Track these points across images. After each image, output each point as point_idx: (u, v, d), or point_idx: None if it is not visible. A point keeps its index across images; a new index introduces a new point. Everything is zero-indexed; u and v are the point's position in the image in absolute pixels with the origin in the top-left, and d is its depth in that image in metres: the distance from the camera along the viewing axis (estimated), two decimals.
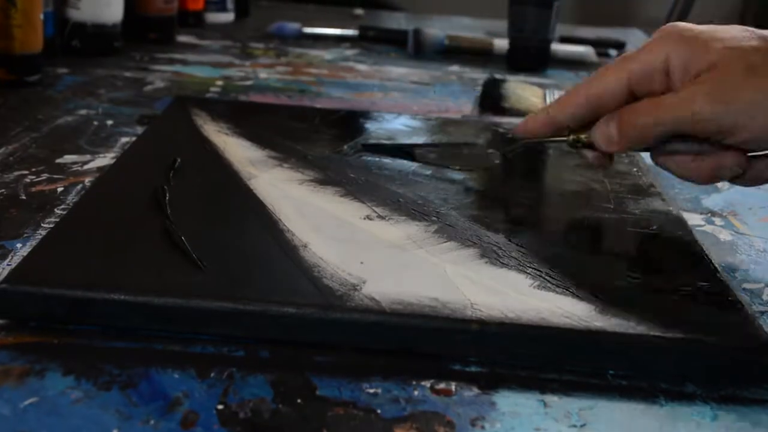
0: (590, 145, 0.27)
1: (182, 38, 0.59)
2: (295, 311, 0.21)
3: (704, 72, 0.24)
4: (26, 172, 0.31)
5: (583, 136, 0.27)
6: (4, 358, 0.20)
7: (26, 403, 0.18)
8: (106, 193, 0.28)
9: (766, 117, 0.23)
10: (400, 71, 0.54)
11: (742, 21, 0.80)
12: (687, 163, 0.26)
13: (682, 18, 0.81)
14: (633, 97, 0.26)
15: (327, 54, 0.58)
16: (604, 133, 0.26)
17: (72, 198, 0.30)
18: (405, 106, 0.46)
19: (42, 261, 0.22)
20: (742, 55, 0.23)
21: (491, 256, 0.24)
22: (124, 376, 0.19)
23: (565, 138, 0.28)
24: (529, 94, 0.46)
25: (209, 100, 0.44)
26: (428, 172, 0.32)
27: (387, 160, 0.32)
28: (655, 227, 0.28)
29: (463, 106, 0.46)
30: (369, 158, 0.33)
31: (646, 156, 0.36)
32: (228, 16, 0.69)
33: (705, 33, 0.25)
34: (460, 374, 0.21)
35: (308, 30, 0.64)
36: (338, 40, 0.64)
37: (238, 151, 0.32)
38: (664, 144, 0.25)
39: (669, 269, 0.25)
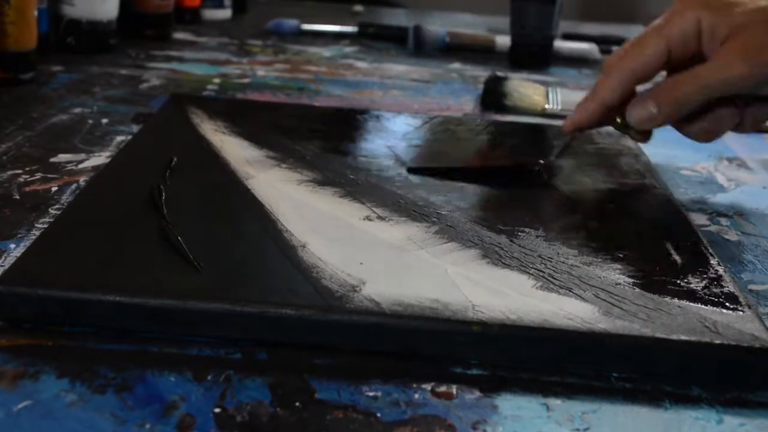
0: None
1: (179, 35, 0.59)
2: (294, 313, 0.21)
3: (732, 35, 0.26)
4: (20, 171, 0.31)
5: (618, 119, 0.29)
6: None
7: (20, 406, 0.18)
8: (101, 193, 0.27)
9: None
10: (400, 69, 0.54)
11: None
12: (702, 124, 0.28)
13: None
14: (669, 63, 0.27)
15: (326, 51, 0.58)
16: (643, 111, 0.28)
17: (66, 198, 0.29)
18: (405, 104, 0.45)
19: (36, 261, 0.22)
20: (763, 17, 0.26)
21: (493, 256, 0.24)
22: (119, 379, 0.19)
23: (611, 123, 0.28)
24: (531, 91, 0.45)
25: (206, 98, 0.43)
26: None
27: (386, 161, 0.32)
28: (659, 227, 0.27)
29: (465, 104, 0.46)
30: (369, 158, 0.32)
31: (650, 155, 0.36)
32: (225, 13, 0.69)
33: None
34: (461, 377, 0.20)
35: (307, 27, 0.64)
36: (337, 37, 0.63)
37: (235, 150, 0.32)
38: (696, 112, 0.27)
39: (674, 270, 0.24)
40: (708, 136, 0.29)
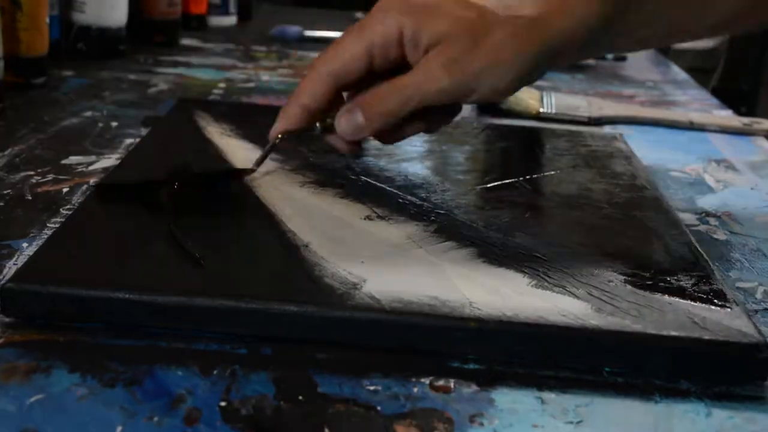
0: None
1: (186, 41, 0.60)
2: (297, 309, 0.21)
3: (434, 44, 0.25)
4: (32, 172, 0.32)
5: (329, 120, 0.27)
6: (10, 355, 0.20)
7: (32, 399, 0.18)
8: (110, 193, 0.28)
9: (491, 80, 0.25)
10: None
11: None
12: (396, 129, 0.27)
13: None
14: (373, 67, 0.26)
15: None
16: (350, 121, 0.26)
17: (77, 198, 0.30)
18: None
19: (48, 260, 0.23)
20: (466, 27, 0.25)
21: (489, 255, 0.25)
22: (128, 374, 0.20)
23: (320, 125, 0.26)
24: (526, 95, 0.46)
25: (212, 102, 0.44)
26: (428, 173, 0.32)
27: (386, 163, 0.33)
28: (650, 227, 0.28)
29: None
30: (369, 160, 0.33)
31: (641, 157, 0.37)
32: (231, 20, 0.69)
33: (429, 3, 0.25)
34: (459, 371, 0.21)
35: (309, 33, 0.64)
36: None
37: (240, 152, 0.33)
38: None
39: (664, 268, 0.25)
40: (393, 140, 0.28)
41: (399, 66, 0.26)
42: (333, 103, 0.27)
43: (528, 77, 0.26)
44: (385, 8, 0.26)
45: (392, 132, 0.27)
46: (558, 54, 0.26)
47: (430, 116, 0.27)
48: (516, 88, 0.26)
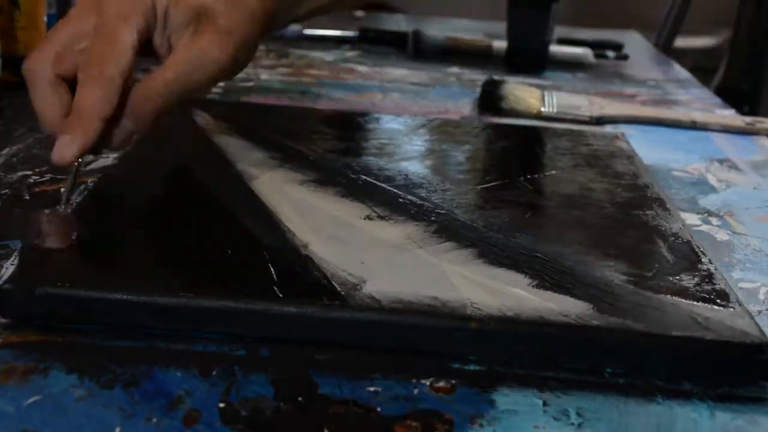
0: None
1: None
2: (297, 310, 0.21)
3: (197, 19, 0.23)
4: (30, 172, 0.32)
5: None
6: (8, 356, 0.20)
7: (30, 401, 0.18)
8: (108, 193, 0.28)
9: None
10: (399, 72, 0.54)
11: (737, 24, 0.80)
12: None
13: (679, 21, 0.82)
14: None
15: (328, 55, 0.58)
16: (121, 132, 0.24)
17: (75, 198, 0.30)
18: (405, 107, 0.46)
19: (45, 261, 0.22)
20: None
21: (490, 255, 0.25)
22: (127, 375, 0.20)
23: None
24: (527, 95, 0.46)
25: (211, 101, 0.44)
26: (428, 173, 0.32)
27: (386, 162, 0.33)
28: (652, 227, 0.28)
29: (463, 107, 0.47)
30: (369, 159, 0.33)
31: (643, 157, 0.37)
32: None
33: None
34: (459, 372, 0.21)
35: (309, 32, 0.64)
36: (339, 41, 0.64)
37: (239, 151, 0.32)
38: None
39: (666, 268, 0.25)
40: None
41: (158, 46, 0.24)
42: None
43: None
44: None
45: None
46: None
47: None
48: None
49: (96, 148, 0.25)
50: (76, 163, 0.24)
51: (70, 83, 0.25)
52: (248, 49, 0.25)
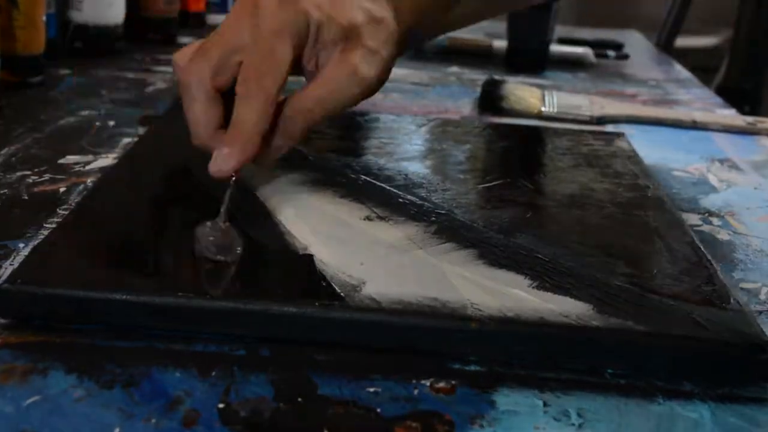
0: None
1: (184, 39, 0.59)
2: (296, 310, 0.21)
3: (345, 39, 0.23)
4: (29, 172, 0.32)
5: None
6: (7, 357, 0.20)
7: (29, 401, 0.18)
8: (108, 194, 0.28)
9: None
10: (400, 72, 0.54)
11: (738, 24, 0.80)
12: None
13: (680, 20, 0.82)
14: None
15: None
16: (271, 147, 0.25)
17: (74, 198, 0.30)
18: (405, 106, 0.46)
19: (44, 261, 0.22)
20: (372, 16, 0.23)
21: (490, 256, 0.25)
22: (126, 375, 0.20)
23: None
24: (528, 94, 0.46)
25: None
26: (428, 172, 0.32)
27: (386, 162, 0.33)
28: (653, 227, 0.28)
29: (463, 107, 0.47)
30: (369, 159, 0.33)
31: (644, 156, 0.36)
32: None
33: None
34: (459, 373, 0.21)
35: None
36: None
37: None
38: None
39: (667, 269, 0.25)
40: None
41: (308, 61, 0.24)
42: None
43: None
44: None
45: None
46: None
47: None
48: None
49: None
50: (234, 177, 0.24)
51: (224, 96, 0.25)
52: (390, 68, 0.25)
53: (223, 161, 0.24)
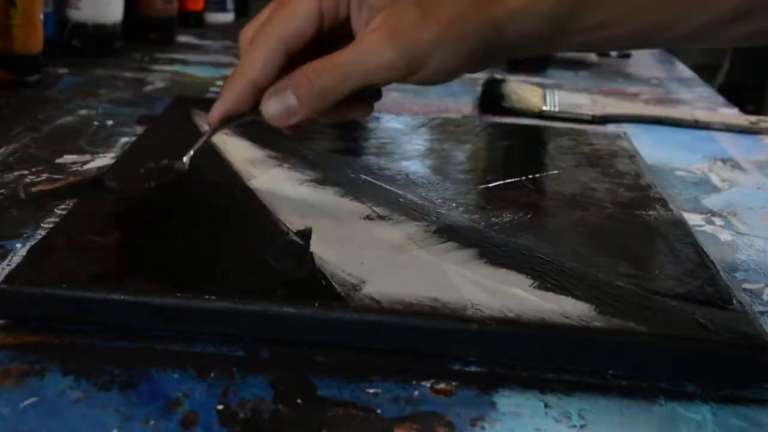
0: None
1: (182, 38, 0.59)
2: (296, 311, 0.21)
3: (379, 10, 0.21)
4: (26, 172, 0.32)
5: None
6: (4, 358, 0.20)
7: (26, 403, 0.18)
8: (107, 193, 0.28)
9: (443, 54, 0.22)
10: None
11: None
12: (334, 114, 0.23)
13: None
14: (321, 32, 0.22)
15: None
16: (281, 104, 0.22)
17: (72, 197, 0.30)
18: (405, 105, 0.46)
19: (42, 261, 0.22)
20: None
21: (491, 256, 0.24)
22: (124, 376, 0.19)
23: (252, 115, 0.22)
24: (529, 94, 0.46)
25: (209, 100, 0.44)
26: (429, 172, 0.32)
27: (387, 162, 0.32)
28: (654, 227, 0.28)
29: (464, 106, 0.46)
30: (369, 158, 0.33)
31: (645, 156, 0.36)
32: (228, 16, 0.69)
33: None
34: (460, 374, 0.21)
35: None
36: None
37: (238, 150, 0.32)
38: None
39: (668, 269, 0.24)
40: (330, 119, 0.24)
41: (345, 31, 0.22)
42: (281, 74, 0.23)
43: (474, 60, 0.22)
44: None
45: (330, 114, 0.23)
46: (504, 42, 0.22)
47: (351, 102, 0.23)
48: (462, 71, 0.22)
49: (249, 114, 0.23)
50: (213, 126, 0.23)
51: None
52: (432, 51, 0.21)
53: (213, 108, 0.23)
